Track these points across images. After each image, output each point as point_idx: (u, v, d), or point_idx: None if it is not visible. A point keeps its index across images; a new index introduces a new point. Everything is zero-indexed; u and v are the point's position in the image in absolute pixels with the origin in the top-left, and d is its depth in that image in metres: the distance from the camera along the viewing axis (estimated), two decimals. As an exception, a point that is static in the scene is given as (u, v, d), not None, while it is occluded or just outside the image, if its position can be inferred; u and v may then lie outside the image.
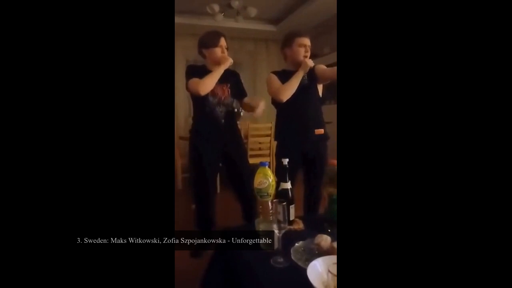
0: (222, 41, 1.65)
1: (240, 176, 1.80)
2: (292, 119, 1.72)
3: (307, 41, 1.68)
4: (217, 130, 1.71)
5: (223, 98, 1.69)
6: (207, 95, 1.62)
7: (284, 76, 1.68)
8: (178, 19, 3.78)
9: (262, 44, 4.84)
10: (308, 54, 1.68)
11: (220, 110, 1.70)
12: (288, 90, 1.61)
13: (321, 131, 1.76)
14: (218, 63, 1.64)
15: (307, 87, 1.70)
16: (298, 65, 1.67)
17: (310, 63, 1.65)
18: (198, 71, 1.65)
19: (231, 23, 3.83)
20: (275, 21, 4.26)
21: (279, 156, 1.74)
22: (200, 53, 1.71)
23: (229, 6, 3.41)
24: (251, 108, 1.73)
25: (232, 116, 1.77)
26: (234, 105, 1.77)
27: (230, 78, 1.74)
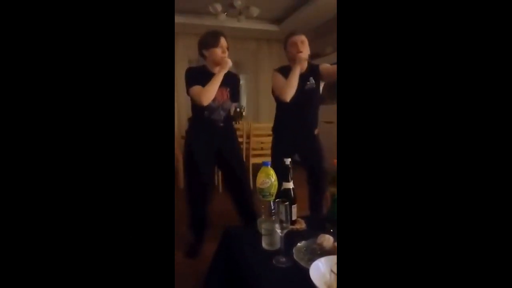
0: (222, 41, 1.62)
1: (237, 178, 1.80)
2: (294, 119, 1.73)
3: (299, 38, 1.67)
4: (214, 132, 1.72)
5: (222, 102, 1.69)
6: None
7: (288, 72, 1.68)
8: (180, 19, 3.79)
9: (264, 43, 4.83)
10: (302, 50, 1.66)
11: (219, 114, 1.69)
12: (289, 89, 1.61)
13: (317, 130, 1.81)
14: (218, 63, 1.62)
15: (313, 90, 1.73)
16: (295, 63, 1.68)
17: (304, 55, 1.65)
18: (198, 75, 1.63)
19: (233, 23, 3.83)
20: (277, 20, 4.26)
21: (276, 149, 1.79)
22: (201, 54, 1.68)
23: (232, 5, 3.41)
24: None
25: (230, 119, 1.78)
26: (233, 108, 1.76)
27: (230, 81, 1.72)
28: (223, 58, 1.61)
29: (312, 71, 1.74)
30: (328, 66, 1.76)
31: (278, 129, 1.83)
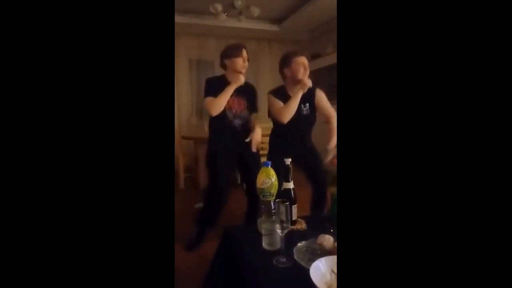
0: (244, 53, 1.75)
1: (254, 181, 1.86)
2: (289, 138, 1.77)
3: (305, 60, 1.71)
4: (235, 139, 1.80)
5: (239, 111, 1.79)
6: (224, 108, 1.71)
7: (283, 95, 1.72)
8: (181, 19, 3.79)
9: (265, 43, 4.83)
10: (307, 72, 1.70)
11: (237, 123, 1.79)
12: (289, 112, 1.65)
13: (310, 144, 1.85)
14: (238, 72, 1.73)
15: (307, 116, 1.76)
16: (297, 83, 1.70)
17: (309, 83, 1.67)
18: (216, 85, 1.73)
19: (233, 23, 3.83)
20: (277, 20, 4.26)
21: (270, 157, 1.80)
22: (222, 63, 1.80)
23: (232, 5, 3.41)
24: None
25: (248, 126, 1.86)
26: (250, 117, 1.85)
27: (247, 92, 1.83)
28: (244, 66, 1.74)
29: (309, 94, 1.75)
30: (324, 103, 1.78)
31: (272, 142, 1.88)
